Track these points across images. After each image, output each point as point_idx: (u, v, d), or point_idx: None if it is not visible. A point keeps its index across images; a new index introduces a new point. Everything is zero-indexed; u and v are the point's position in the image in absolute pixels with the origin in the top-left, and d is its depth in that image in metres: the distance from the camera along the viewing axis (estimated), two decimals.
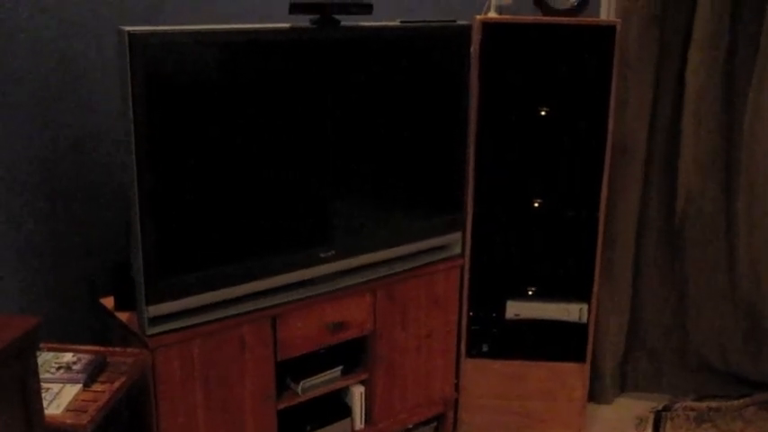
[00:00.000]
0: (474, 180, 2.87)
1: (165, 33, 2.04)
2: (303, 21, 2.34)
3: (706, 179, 3.21)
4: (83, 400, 1.94)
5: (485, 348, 3.04)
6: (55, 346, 2.19)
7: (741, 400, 3.35)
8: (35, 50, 2.29)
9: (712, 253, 3.30)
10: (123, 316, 2.35)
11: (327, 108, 2.42)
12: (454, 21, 2.67)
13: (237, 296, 2.36)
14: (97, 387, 2.02)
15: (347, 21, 2.40)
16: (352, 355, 2.75)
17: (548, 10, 2.81)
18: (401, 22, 2.55)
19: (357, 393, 2.74)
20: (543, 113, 2.80)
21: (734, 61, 3.11)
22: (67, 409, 1.90)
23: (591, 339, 3.02)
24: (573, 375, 3.05)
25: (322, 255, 2.51)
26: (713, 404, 3.35)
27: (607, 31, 2.72)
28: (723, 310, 3.36)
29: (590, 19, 2.82)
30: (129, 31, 1.97)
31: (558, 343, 3.02)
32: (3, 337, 1.52)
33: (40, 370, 1.70)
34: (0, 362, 1.49)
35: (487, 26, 2.74)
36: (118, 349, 2.21)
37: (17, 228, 2.34)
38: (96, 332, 2.55)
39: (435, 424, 3.08)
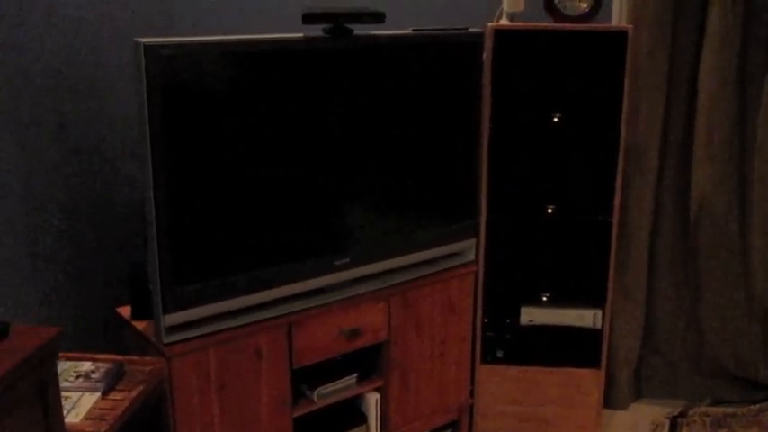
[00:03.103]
0: (487, 186, 2.88)
1: (179, 45, 2.06)
2: (316, 30, 2.36)
3: (719, 183, 3.20)
4: (101, 409, 1.96)
5: (499, 354, 3.04)
6: (73, 355, 2.21)
7: (757, 405, 3.33)
8: (52, 63, 2.32)
9: (726, 258, 3.29)
10: (140, 325, 2.37)
11: (341, 116, 2.43)
12: (466, 28, 2.68)
13: (253, 304, 2.38)
14: (115, 395, 2.03)
15: (360, 30, 2.42)
16: (367, 362, 2.76)
17: (559, 16, 2.82)
18: (413, 30, 2.57)
19: (372, 400, 2.75)
20: (556, 119, 2.81)
21: (746, 66, 3.11)
22: (87, 418, 1.91)
23: (605, 345, 3.01)
24: (588, 381, 3.05)
25: (337, 262, 2.52)
26: (729, 409, 3.33)
27: (619, 36, 2.72)
28: (738, 315, 3.35)
29: (602, 25, 2.83)
30: (144, 43, 2.00)
31: (573, 349, 3.02)
32: (24, 347, 1.54)
33: (59, 379, 1.72)
34: (21, 371, 1.51)
35: (499, 33, 2.75)
36: (135, 358, 2.22)
37: (34, 238, 2.36)
38: (113, 341, 2.57)
39: (450, 430, 3.09)
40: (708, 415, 3.30)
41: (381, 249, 2.63)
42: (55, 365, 1.65)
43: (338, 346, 2.59)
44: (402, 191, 2.65)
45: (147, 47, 2.00)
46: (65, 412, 1.87)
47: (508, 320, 3.00)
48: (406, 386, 2.82)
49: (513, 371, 3.05)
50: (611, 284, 2.95)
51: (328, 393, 2.61)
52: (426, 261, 2.80)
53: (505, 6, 2.86)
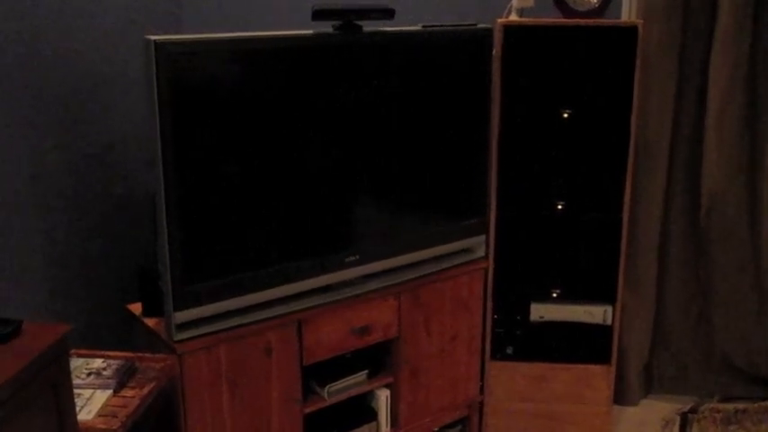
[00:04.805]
0: (497, 183, 2.87)
1: (189, 42, 2.06)
2: (326, 27, 2.35)
3: (730, 179, 3.19)
4: (113, 406, 1.97)
5: (509, 351, 3.04)
6: (85, 352, 2.22)
7: None
8: (61, 62, 2.32)
9: (737, 253, 3.28)
10: (151, 322, 2.37)
11: (351, 113, 2.43)
12: (475, 24, 2.68)
13: (263, 301, 2.38)
14: (127, 392, 2.04)
15: (369, 26, 2.41)
16: (377, 358, 2.76)
17: (569, 12, 2.81)
18: (423, 26, 2.56)
19: (383, 397, 2.75)
20: (565, 115, 2.80)
21: (757, 61, 3.09)
22: (99, 415, 1.92)
23: (616, 341, 3.00)
24: (598, 377, 3.04)
25: (347, 259, 2.52)
26: (740, 406, 3.32)
27: (629, 32, 2.71)
28: (748, 311, 3.34)
29: (612, 20, 2.81)
30: (154, 41, 2.00)
31: (583, 345, 3.01)
32: (36, 345, 1.55)
33: (71, 376, 1.72)
34: (34, 369, 1.51)
35: (509, 29, 2.74)
36: (146, 355, 2.23)
37: (46, 236, 2.37)
38: (124, 338, 2.57)
39: (461, 427, 3.09)
40: (718, 411, 3.29)
41: (391, 246, 2.63)
42: (67, 363, 1.65)
43: (348, 342, 2.59)
44: (412, 187, 2.65)
45: (158, 44, 2.00)
46: (77, 409, 1.88)
47: (518, 317, 3.00)
48: (416, 383, 2.82)
49: (524, 367, 3.05)
50: (621, 281, 2.94)
51: (339, 390, 2.61)
52: (436, 258, 2.80)
53: (515, 2, 2.85)
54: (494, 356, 3.05)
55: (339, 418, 2.69)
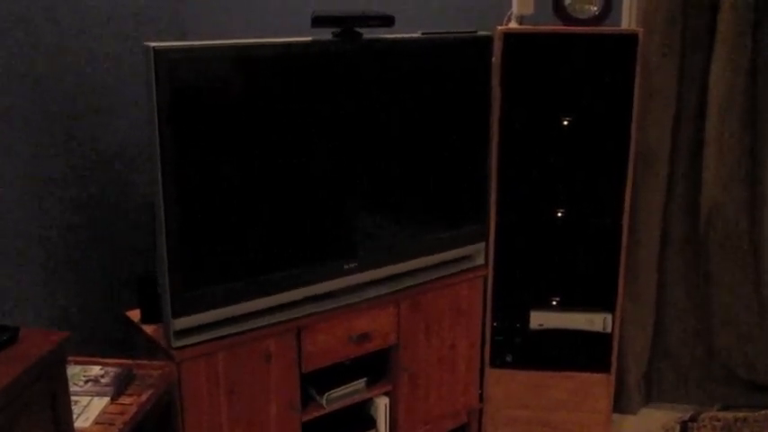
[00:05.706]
0: (497, 190, 2.87)
1: (189, 49, 2.06)
2: (325, 34, 2.35)
3: (730, 187, 3.18)
4: (111, 413, 1.96)
5: (509, 359, 3.03)
6: (82, 359, 2.21)
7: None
8: (60, 67, 2.32)
9: (737, 261, 3.27)
10: (149, 329, 2.37)
11: (351, 120, 2.43)
12: (475, 31, 2.68)
13: (262, 308, 2.37)
14: (125, 400, 2.03)
15: (369, 33, 2.41)
16: (376, 366, 2.75)
17: (569, 19, 2.81)
18: (422, 33, 2.56)
19: (381, 405, 2.74)
20: (566, 123, 2.80)
21: (757, 68, 3.09)
22: (96, 422, 1.91)
23: (615, 349, 3.00)
24: (597, 386, 3.03)
25: (346, 266, 2.51)
26: (740, 414, 3.31)
27: (629, 39, 2.71)
28: (748, 319, 3.33)
29: (612, 28, 2.81)
30: (154, 47, 1.99)
31: (583, 353, 3.00)
32: (33, 352, 1.54)
33: (69, 383, 1.71)
34: (31, 376, 1.51)
35: (509, 36, 2.74)
36: (144, 362, 2.22)
37: (44, 243, 2.36)
38: (122, 345, 2.57)
39: None
40: (718, 420, 3.28)
41: (391, 253, 2.62)
42: (64, 370, 1.65)
43: (347, 350, 2.58)
44: (411, 194, 2.64)
45: (158, 51, 2.00)
46: (74, 417, 1.87)
47: (518, 324, 2.99)
48: (415, 390, 2.81)
49: (523, 375, 3.04)
50: (621, 288, 2.94)
51: (337, 398, 2.60)
52: (436, 265, 2.79)
53: (515, 9, 2.85)
54: (493, 364, 3.04)
55: (338, 426, 2.68)
